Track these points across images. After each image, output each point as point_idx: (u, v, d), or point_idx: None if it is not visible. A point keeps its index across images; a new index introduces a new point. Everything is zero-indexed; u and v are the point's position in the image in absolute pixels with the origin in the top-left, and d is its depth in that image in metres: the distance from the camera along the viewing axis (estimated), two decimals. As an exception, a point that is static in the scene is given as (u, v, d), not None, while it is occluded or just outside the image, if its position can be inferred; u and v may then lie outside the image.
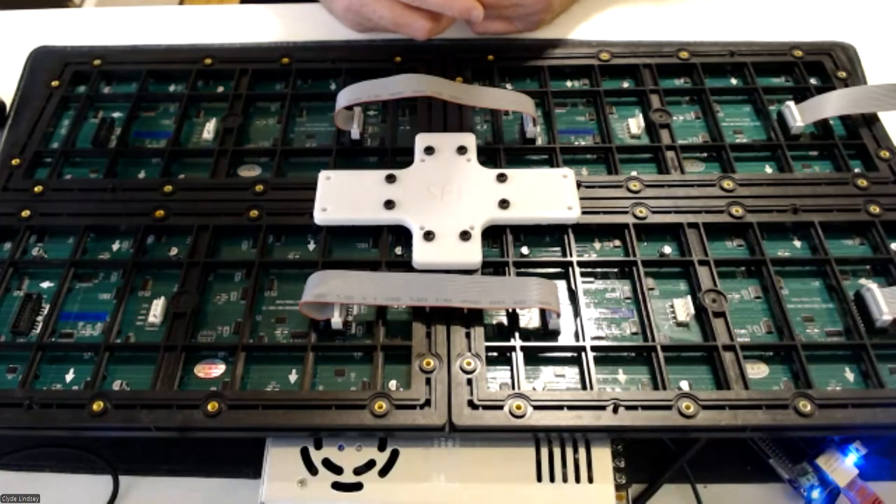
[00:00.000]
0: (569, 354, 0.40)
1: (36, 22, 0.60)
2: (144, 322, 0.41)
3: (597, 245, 0.44)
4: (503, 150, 0.48)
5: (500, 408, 0.37)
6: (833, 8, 0.59)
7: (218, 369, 0.40)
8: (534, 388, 0.39)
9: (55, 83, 0.52)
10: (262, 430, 0.37)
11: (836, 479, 0.37)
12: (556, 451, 0.37)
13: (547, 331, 0.41)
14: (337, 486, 0.36)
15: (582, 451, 0.37)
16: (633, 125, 0.50)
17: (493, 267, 0.43)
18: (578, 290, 0.41)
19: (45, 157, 0.49)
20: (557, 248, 0.44)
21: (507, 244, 0.43)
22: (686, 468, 0.39)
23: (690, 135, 0.49)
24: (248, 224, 0.44)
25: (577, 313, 0.41)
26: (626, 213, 0.44)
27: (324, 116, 0.51)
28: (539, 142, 0.49)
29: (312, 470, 0.37)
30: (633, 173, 0.46)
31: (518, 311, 0.41)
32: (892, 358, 0.39)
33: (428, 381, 0.38)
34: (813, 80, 0.51)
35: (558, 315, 0.40)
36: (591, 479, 0.37)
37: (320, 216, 0.44)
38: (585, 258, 0.43)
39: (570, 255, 0.43)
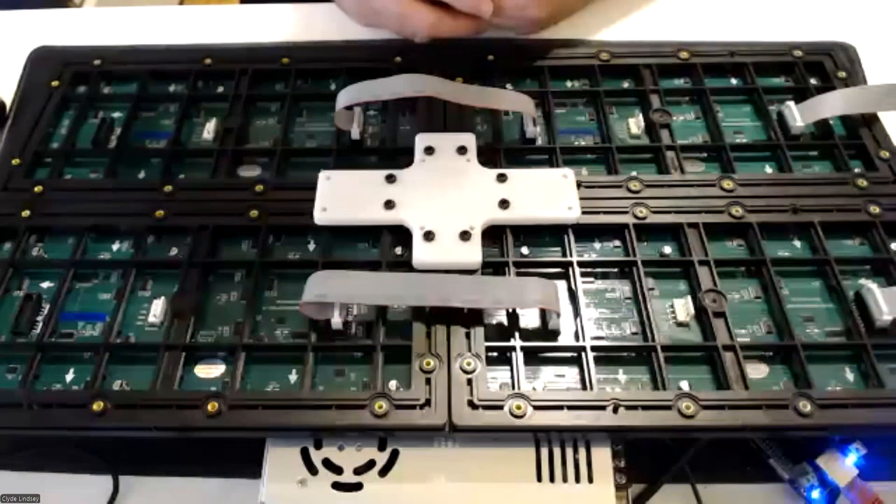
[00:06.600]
0: (569, 354, 0.40)
1: (36, 22, 0.60)
2: (144, 322, 0.41)
3: (597, 245, 0.44)
4: (503, 150, 0.48)
5: (500, 408, 0.37)
6: (833, 8, 0.59)
7: (218, 369, 0.40)
8: (534, 388, 0.39)
9: (55, 83, 0.52)
10: (262, 430, 0.37)
11: (836, 479, 0.37)
12: (556, 452, 0.37)
13: (547, 331, 0.41)
14: (337, 486, 0.36)
15: (582, 451, 0.37)
16: (633, 125, 0.49)
17: (493, 267, 0.43)
18: (578, 290, 0.41)
19: (45, 157, 0.49)
20: (557, 248, 0.44)
21: (507, 244, 0.43)
22: (686, 468, 0.39)
23: (690, 135, 0.49)
24: (248, 224, 0.44)
25: (577, 313, 0.41)
26: (626, 213, 0.44)
27: (324, 116, 0.51)
28: (539, 142, 0.49)
29: (312, 470, 0.37)
30: (633, 173, 0.46)
31: (518, 311, 0.41)
32: (892, 358, 0.39)
33: (428, 381, 0.38)
34: (813, 80, 0.51)
35: (558, 315, 0.40)
36: (591, 479, 0.37)
37: (320, 216, 0.44)
38: (585, 258, 0.43)
39: (570, 255, 0.43)
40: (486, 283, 0.41)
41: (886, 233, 0.43)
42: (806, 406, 0.36)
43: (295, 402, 0.37)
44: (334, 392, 0.38)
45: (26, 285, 0.43)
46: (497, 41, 0.54)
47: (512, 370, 0.39)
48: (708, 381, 0.39)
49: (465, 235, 0.42)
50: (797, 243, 0.44)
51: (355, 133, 0.49)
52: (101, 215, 0.45)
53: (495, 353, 0.40)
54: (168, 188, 0.46)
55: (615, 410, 0.37)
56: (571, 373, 0.39)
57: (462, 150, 0.46)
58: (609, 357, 0.40)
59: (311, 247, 0.44)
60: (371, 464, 0.37)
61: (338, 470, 0.37)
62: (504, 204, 0.44)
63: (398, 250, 0.43)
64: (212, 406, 0.37)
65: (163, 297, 0.42)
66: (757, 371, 0.39)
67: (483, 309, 0.40)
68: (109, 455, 0.40)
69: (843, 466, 0.37)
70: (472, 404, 0.37)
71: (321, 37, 0.56)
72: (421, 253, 0.42)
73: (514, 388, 0.38)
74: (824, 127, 0.49)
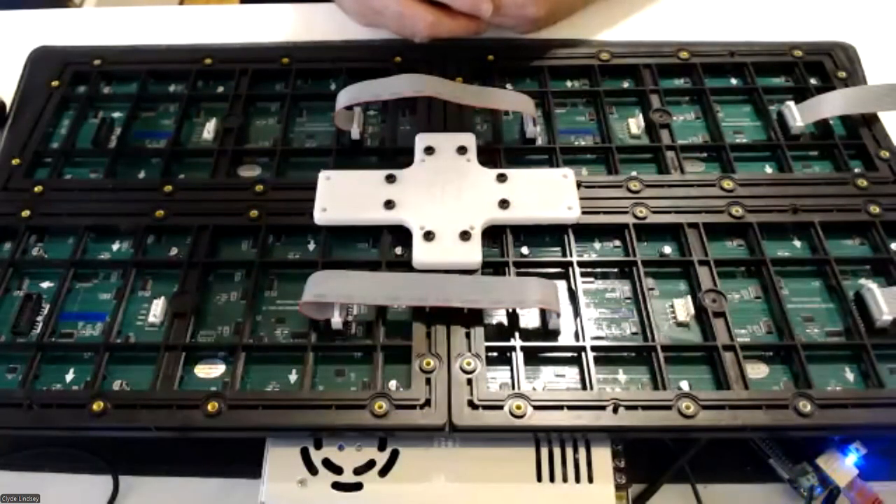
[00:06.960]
0: (569, 354, 0.40)
1: (36, 22, 0.60)
2: (144, 322, 0.41)
3: (597, 245, 0.44)
4: (503, 150, 0.48)
5: (500, 408, 0.37)
6: (833, 8, 0.59)
7: (218, 369, 0.40)
8: (534, 388, 0.39)
9: (55, 83, 0.52)
10: (262, 430, 0.37)
11: (836, 479, 0.37)
12: (556, 451, 0.37)
13: (547, 331, 0.41)
14: (337, 486, 0.36)
15: (582, 451, 0.37)
16: (633, 125, 0.50)
17: (493, 267, 0.43)
18: (578, 290, 0.41)
19: (45, 157, 0.49)
20: (557, 248, 0.44)
21: (507, 244, 0.43)
22: (686, 468, 0.39)
23: (690, 135, 0.49)
24: (248, 224, 0.44)
25: (577, 313, 0.41)
26: (626, 213, 0.44)
27: (324, 116, 0.51)
28: (539, 142, 0.49)
29: (312, 470, 0.37)
30: (633, 173, 0.46)
31: (518, 311, 0.41)
32: (892, 358, 0.39)
33: (428, 381, 0.38)
34: (813, 80, 0.51)
35: (558, 315, 0.40)
36: (591, 479, 0.37)
37: (320, 216, 0.44)
38: (585, 258, 0.43)
39: (570, 255, 0.43)
40: (486, 283, 0.41)
41: (886, 233, 0.43)
42: (806, 406, 0.36)
43: (295, 402, 0.37)
44: (334, 392, 0.38)
45: (26, 285, 0.43)
46: (497, 41, 0.54)
47: (512, 370, 0.39)
48: (708, 381, 0.39)
49: (465, 235, 0.42)
50: (797, 243, 0.44)
51: (355, 133, 0.49)
52: (100, 215, 0.45)
53: (495, 353, 0.40)
54: (168, 188, 0.46)
55: (615, 410, 0.37)
56: (571, 373, 0.39)
57: (462, 150, 0.46)
58: (609, 357, 0.40)
59: (311, 247, 0.44)
60: (371, 464, 0.37)
61: (338, 470, 0.37)
62: (504, 204, 0.44)
63: (398, 250, 0.43)
64: (212, 406, 0.37)
65: (163, 297, 0.42)
66: (757, 371, 0.39)
67: (483, 309, 0.40)
68: (109, 455, 0.40)
69: (843, 466, 0.38)
70: (472, 404, 0.37)
71: (321, 37, 0.57)
72: (421, 253, 0.42)
73: (514, 388, 0.38)
74: (824, 127, 0.49)
